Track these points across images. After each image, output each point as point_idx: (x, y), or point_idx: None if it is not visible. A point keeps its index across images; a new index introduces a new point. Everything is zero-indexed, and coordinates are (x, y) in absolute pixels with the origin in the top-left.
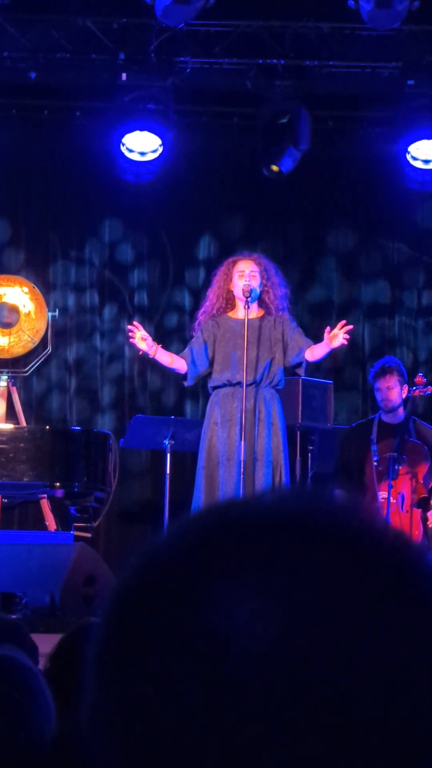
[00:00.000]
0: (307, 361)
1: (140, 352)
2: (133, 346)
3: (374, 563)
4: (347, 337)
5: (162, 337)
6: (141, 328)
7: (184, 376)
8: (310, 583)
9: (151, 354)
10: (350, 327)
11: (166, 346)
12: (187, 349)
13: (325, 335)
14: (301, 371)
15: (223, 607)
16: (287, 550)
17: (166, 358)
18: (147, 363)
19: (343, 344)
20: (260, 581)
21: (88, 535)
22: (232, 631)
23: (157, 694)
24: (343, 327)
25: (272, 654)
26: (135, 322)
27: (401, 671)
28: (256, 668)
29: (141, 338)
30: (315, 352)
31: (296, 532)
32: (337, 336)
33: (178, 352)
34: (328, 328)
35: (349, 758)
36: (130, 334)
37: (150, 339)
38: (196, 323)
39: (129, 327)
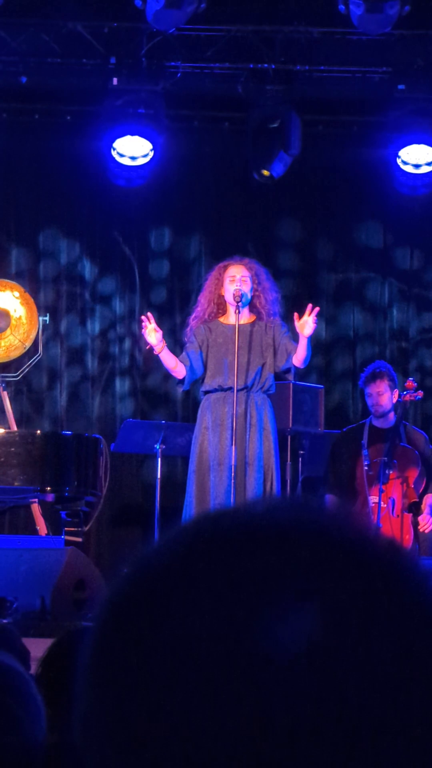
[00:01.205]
0: (296, 366)
1: (147, 346)
2: (138, 341)
3: (366, 572)
4: (315, 319)
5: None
6: (153, 320)
7: (181, 381)
8: (303, 593)
9: (158, 350)
10: (317, 309)
11: (151, 350)
12: (184, 354)
13: (296, 326)
14: (290, 376)
15: (215, 616)
16: (278, 559)
17: (170, 359)
18: (137, 365)
19: (314, 328)
20: (251, 591)
21: (79, 539)
22: (224, 639)
23: (149, 701)
24: (310, 312)
25: (264, 661)
26: (149, 314)
27: (397, 678)
28: (248, 675)
29: (153, 329)
30: (298, 355)
31: (287, 541)
32: (307, 323)
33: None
34: (296, 315)
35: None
36: (142, 324)
37: (161, 333)
38: (188, 329)
39: (142, 317)
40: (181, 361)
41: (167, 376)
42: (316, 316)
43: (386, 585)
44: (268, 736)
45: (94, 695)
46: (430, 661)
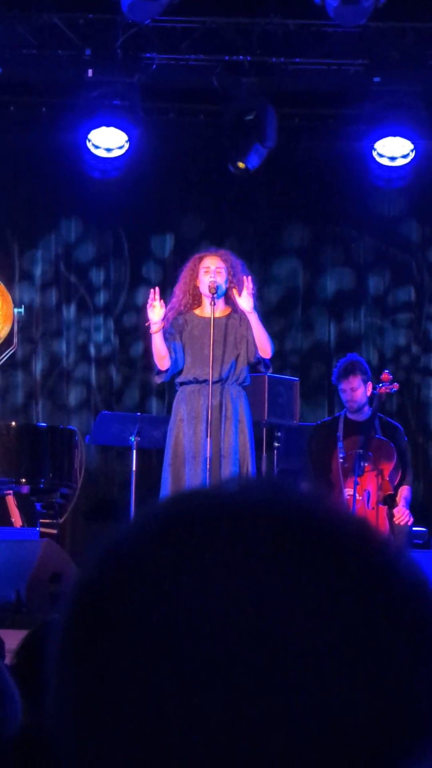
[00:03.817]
0: (263, 357)
1: (146, 323)
2: (114, 334)
3: (339, 551)
4: (250, 287)
5: (126, 335)
6: (158, 295)
7: (163, 372)
8: (276, 572)
9: (155, 329)
10: (249, 279)
11: (127, 343)
12: (170, 346)
13: (238, 304)
14: (261, 368)
15: (188, 596)
16: (252, 538)
17: (162, 346)
18: (111, 360)
19: (253, 301)
20: (225, 570)
21: (54, 531)
22: (197, 620)
23: (120, 682)
24: (245, 284)
25: (239, 642)
26: (157, 288)
27: (368, 651)
28: (222, 657)
29: (159, 305)
30: (257, 340)
31: (261, 520)
32: (244, 297)
33: (140, 350)
34: (235, 291)
35: (310, 741)
36: (150, 298)
37: (164, 312)
38: (164, 320)
39: (151, 290)
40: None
41: (144, 367)
42: (252, 285)
43: (358, 563)
44: (243, 720)
45: (66, 677)
46: (401, 635)
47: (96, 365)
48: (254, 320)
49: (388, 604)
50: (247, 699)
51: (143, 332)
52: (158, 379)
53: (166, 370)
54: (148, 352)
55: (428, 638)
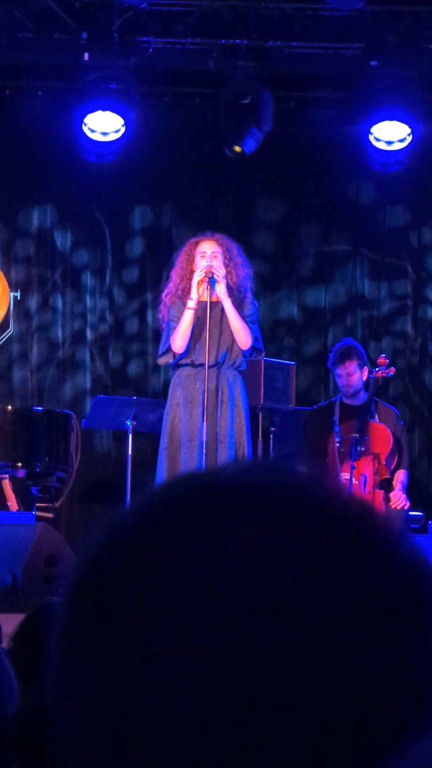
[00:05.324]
0: (244, 349)
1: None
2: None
3: (339, 532)
4: (221, 273)
5: (121, 317)
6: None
7: (172, 354)
8: (276, 552)
9: (192, 305)
10: (208, 268)
11: (123, 326)
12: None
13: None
14: (253, 353)
15: (189, 578)
16: (252, 519)
17: (187, 326)
18: (109, 342)
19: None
20: (226, 551)
21: (50, 515)
22: (197, 601)
23: (121, 665)
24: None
25: (241, 623)
26: (212, 265)
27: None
28: (223, 638)
29: (219, 281)
30: (231, 323)
31: (260, 501)
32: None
33: (135, 332)
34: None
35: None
36: (212, 272)
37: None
38: (162, 305)
39: (204, 266)
40: None
41: (140, 352)
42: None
43: (358, 544)
44: (249, 700)
45: (66, 659)
46: (402, 616)
47: (92, 348)
48: (227, 306)
49: (390, 584)
50: (249, 679)
51: (138, 313)
52: (163, 360)
53: (177, 354)
54: (142, 334)
55: (429, 619)
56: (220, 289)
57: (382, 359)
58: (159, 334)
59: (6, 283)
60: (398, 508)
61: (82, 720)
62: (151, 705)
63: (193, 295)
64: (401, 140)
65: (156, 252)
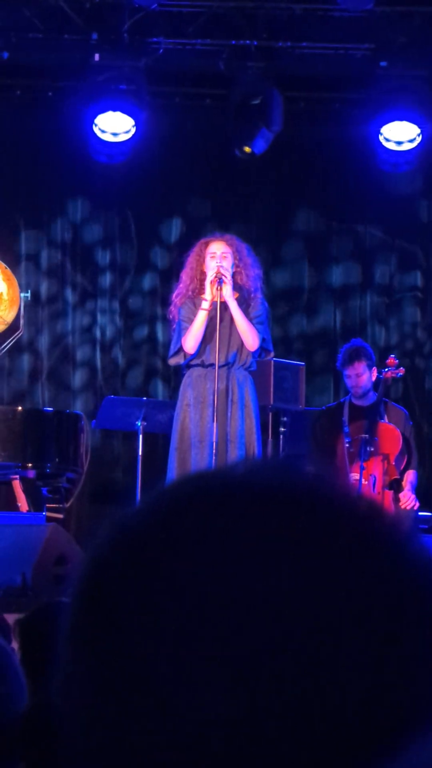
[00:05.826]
0: (251, 350)
1: (215, 291)
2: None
3: (348, 531)
4: (226, 275)
5: (131, 318)
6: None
7: (183, 355)
8: (285, 553)
9: (206, 306)
10: (223, 267)
11: (133, 327)
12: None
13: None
14: (263, 354)
15: (197, 576)
16: (261, 519)
17: (200, 327)
18: (116, 344)
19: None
20: (234, 552)
21: (60, 516)
22: (205, 600)
23: (129, 663)
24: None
25: (247, 623)
26: (224, 265)
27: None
28: (232, 638)
29: (225, 283)
30: (237, 324)
31: (269, 501)
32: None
33: (146, 333)
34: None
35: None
36: (221, 273)
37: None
38: (173, 306)
39: (218, 267)
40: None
41: (149, 352)
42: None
43: (367, 543)
44: (254, 701)
45: (74, 657)
46: (407, 616)
47: (101, 349)
48: (233, 307)
49: (396, 585)
50: (256, 679)
51: (148, 316)
52: (174, 361)
53: (189, 355)
54: (152, 335)
55: None
56: (226, 291)
57: (392, 359)
58: (169, 335)
59: (16, 285)
60: (407, 508)
61: (87, 720)
62: (154, 706)
63: (207, 296)
64: (411, 141)
65: (165, 252)
